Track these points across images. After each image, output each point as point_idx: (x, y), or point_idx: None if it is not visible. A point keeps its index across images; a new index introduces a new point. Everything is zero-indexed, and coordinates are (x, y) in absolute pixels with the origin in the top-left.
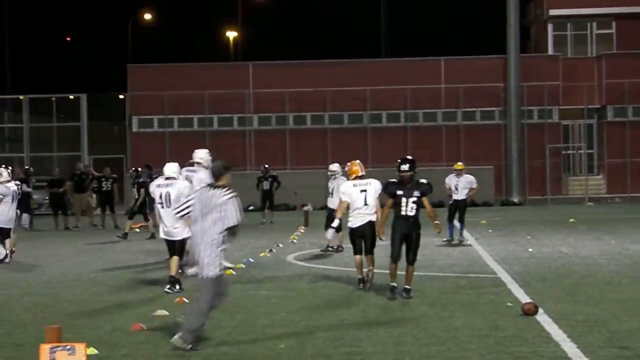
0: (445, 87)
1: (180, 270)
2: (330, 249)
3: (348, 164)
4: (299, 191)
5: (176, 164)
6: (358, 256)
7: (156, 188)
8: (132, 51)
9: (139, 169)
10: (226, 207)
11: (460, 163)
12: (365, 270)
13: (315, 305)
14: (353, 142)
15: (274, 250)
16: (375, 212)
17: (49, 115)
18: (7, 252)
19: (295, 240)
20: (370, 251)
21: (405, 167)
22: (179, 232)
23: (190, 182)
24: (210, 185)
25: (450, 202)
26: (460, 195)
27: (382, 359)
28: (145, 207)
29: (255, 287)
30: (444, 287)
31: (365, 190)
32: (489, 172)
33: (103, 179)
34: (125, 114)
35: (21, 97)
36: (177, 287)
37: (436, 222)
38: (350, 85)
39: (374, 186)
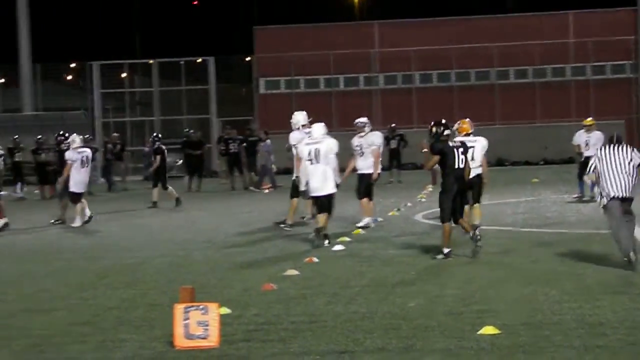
0: (573, 42)
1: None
2: None
3: (458, 122)
4: (426, 150)
5: (322, 124)
6: (466, 207)
7: (305, 145)
8: (257, 13)
9: (158, 135)
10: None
11: (589, 118)
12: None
13: (445, 263)
14: (480, 99)
15: (402, 209)
16: (482, 166)
17: (177, 79)
18: (80, 217)
19: (423, 199)
20: (477, 201)
21: None
22: (328, 186)
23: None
24: (614, 144)
25: (581, 159)
26: (591, 151)
27: (514, 317)
28: (164, 174)
29: (384, 246)
30: (575, 244)
31: (473, 147)
32: (619, 126)
33: (230, 141)
34: (251, 76)
35: (150, 61)
36: (327, 241)
37: None
38: (476, 42)
39: (481, 143)
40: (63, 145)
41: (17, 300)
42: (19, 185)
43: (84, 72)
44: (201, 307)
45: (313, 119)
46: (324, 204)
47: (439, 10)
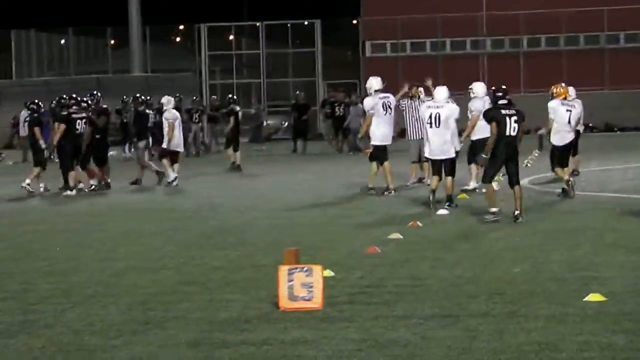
0: None
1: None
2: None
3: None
4: (533, 114)
5: (445, 88)
6: (566, 168)
7: (426, 109)
8: None
9: (234, 97)
10: None
11: None
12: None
13: (550, 229)
14: (588, 64)
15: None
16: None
17: (284, 42)
18: (172, 171)
19: (529, 165)
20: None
21: None
22: (448, 151)
23: (389, 107)
24: None
25: None
26: None
27: (620, 284)
28: (237, 136)
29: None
30: None
31: (570, 111)
32: None
33: (336, 104)
34: (358, 39)
35: (257, 23)
36: (453, 204)
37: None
38: (586, 5)
39: (578, 109)
40: (140, 107)
41: (126, 259)
42: (127, 145)
43: (192, 34)
44: (305, 269)
45: (387, 84)
46: (444, 167)
47: None
